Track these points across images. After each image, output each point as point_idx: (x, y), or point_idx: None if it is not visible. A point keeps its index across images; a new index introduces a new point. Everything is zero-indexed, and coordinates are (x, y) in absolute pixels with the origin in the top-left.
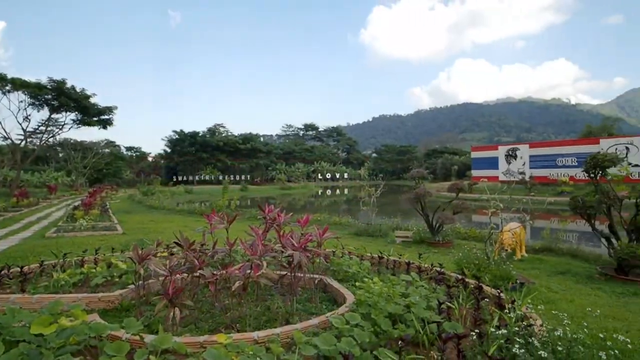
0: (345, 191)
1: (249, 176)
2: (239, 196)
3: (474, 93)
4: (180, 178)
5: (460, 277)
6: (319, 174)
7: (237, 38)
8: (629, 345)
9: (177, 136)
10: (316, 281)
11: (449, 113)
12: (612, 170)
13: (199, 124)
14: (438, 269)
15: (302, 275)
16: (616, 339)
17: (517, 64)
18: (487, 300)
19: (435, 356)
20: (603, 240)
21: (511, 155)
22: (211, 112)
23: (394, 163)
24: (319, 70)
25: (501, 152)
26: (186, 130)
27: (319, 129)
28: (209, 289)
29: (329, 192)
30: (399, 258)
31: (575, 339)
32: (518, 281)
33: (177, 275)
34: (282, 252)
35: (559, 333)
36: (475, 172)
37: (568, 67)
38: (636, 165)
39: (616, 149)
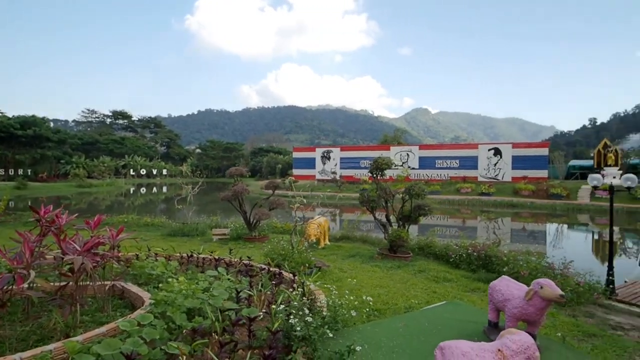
0: (164, 189)
1: (30, 170)
2: (13, 196)
3: (298, 97)
4: None
5: (265, 266)
6: (132, 170)
7: None
8: (377, 304)
9: None
10: (107, 287)
11: (275, 113)
12: (397, 171)
13: None
14: (246, 261)
15: (90, 283)
16: (367, 301)
17: (336, 76)
18: (285, 284)
19: (221, 339)
20: (381, 227)
21: (326, 157)
22: None
23: (219, 160)
24: (134, 52)
25: (318, 153)
26: None
27: (132, 118)
28: None
29: (143, 190)
30: (210, 255)
31: (341, 305)
32: (315, 265)
33: None
34: (63, 258)
35: (329, 302)
36: (296, 171)
37: (373, 84)
38: (413, 168)
39: (401, 155)
